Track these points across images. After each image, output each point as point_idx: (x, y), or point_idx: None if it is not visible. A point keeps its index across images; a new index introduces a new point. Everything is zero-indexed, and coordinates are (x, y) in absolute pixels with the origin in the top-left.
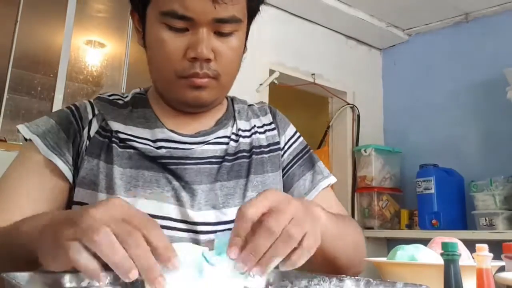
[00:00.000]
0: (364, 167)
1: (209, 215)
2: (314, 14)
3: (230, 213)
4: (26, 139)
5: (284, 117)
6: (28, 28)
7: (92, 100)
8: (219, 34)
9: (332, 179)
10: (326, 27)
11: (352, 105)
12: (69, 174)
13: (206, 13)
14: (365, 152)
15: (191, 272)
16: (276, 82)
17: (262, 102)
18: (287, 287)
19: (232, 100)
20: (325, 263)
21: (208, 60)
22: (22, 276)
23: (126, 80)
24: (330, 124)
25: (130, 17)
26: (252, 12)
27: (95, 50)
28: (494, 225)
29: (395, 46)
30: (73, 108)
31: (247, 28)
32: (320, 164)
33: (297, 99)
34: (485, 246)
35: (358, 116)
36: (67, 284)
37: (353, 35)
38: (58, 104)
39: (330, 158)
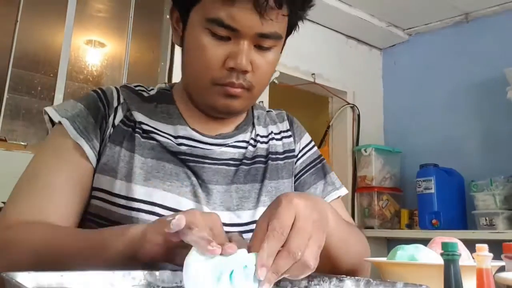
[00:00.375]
0: (364, 167)
1: (223, 216)
2: (314, 14)
3: (244, 216)
4: (53, 123)
5: (300, 125)
6: (28, 28)
7: (118, 87)
8: (259, 47)
9: (343, 191)
10: (326, 27)
11: (352, 105)
12: (93, 160)
13: (252, 27)
14: (365, 152)
15: (209, 275)
16: (276, 81)
17: (265, 106)
18: (287, 287)
19: (252, 106)
20: (327, 264)
21: (245, 72)
22: (22, 276)
23: (126, 80)
24: (330, 123)
25: (131, 17)
26: (291, 28)
27: (95, 49)
28: (494, 225)
29: (395, 46)
30: (100, 92)
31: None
32: (332, 175)
33: (297, 99)
34: (485, 246)
35: (358, 115)
36: (66, 285)
37: (353, 34)
38: None
39: (330, 158)
